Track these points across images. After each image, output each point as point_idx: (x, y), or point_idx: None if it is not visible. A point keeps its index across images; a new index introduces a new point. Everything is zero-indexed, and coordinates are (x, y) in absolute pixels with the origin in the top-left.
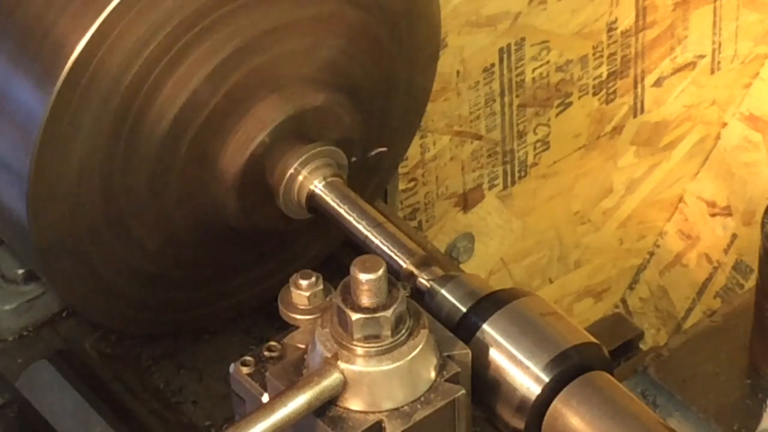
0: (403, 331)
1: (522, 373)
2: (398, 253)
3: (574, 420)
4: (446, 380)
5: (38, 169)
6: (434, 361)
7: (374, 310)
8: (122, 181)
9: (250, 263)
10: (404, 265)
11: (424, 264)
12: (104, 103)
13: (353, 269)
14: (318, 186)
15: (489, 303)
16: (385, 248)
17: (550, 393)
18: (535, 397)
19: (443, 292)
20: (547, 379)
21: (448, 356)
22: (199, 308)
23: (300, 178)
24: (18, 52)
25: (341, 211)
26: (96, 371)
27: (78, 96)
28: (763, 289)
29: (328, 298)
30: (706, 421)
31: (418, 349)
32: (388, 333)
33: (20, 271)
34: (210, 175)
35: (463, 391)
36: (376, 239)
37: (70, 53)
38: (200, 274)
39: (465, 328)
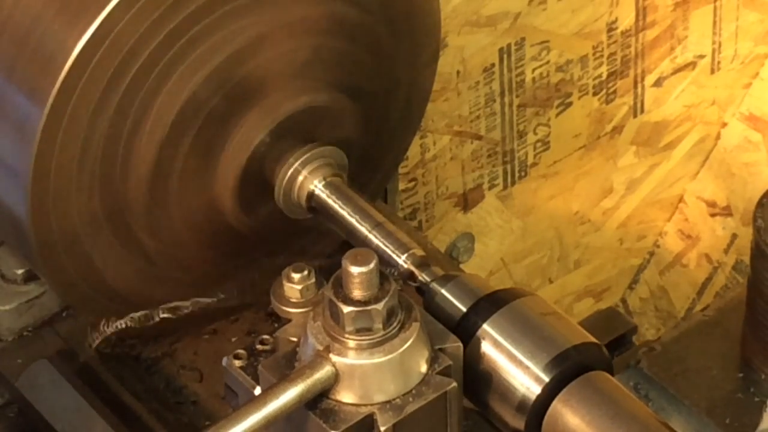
0: (395, 324)
1: (522, 372)
2: (398, 253)
3: (574, 420)
4: (438, 373)
5: (38, 169)
6: (426, 354)
7: (366, 303)
8: (122, 182)
9: (250, 263)
10: (404, 265)
11: (424, 264)
12: (103, 105)
13: (345, 262)
14: (318, 186)
15: (489, 303)
16: (385, 248)
17: (550, 393)
18: (535, 397)
19: (443, 292)
20: (547, 379)
21: (440, 349)
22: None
23: (300, 178)
24: (17, 52)
25: (341, 210)
26: (96, 371)
27: (77, 97)
28: (755, 284)
29: (320, 291)
30: (698, 414)
31: (409, 342)
32: (380, 326)
33: (20, 271)
34: (210, 175)
35: (455, 384)
36: (376, 239)
37: (69, 54)
38: (200, 274)
39: (465, 328)
